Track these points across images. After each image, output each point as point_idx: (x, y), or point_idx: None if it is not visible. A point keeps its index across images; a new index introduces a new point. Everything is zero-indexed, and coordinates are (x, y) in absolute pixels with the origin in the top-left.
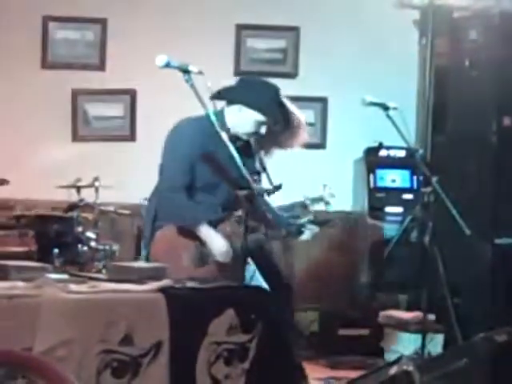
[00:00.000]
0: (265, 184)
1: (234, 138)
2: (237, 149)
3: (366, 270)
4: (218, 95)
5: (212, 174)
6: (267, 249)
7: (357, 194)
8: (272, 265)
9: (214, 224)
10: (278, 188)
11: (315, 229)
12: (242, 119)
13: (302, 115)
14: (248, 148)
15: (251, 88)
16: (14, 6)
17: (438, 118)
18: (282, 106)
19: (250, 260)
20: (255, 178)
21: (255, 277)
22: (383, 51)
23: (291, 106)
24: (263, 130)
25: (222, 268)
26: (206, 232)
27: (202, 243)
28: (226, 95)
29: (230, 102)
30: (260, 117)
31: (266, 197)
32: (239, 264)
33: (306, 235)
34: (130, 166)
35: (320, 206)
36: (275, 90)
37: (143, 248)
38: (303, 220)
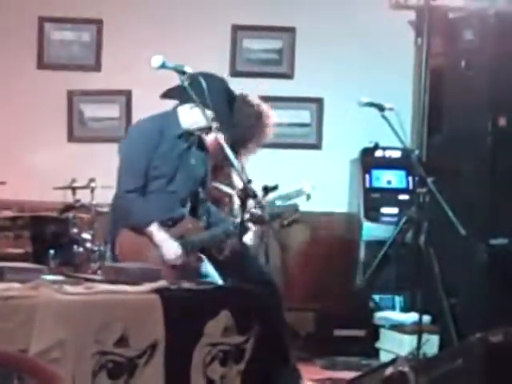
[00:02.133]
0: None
1: (187, 135)
2: (192, 144)
3: (362, 271)
4: (167, 95)
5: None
6: (245, 249)
7: (352, 195)
8: (252, 265)
9: (175, 221)
10: (273, 189)
11: (252, 228)
12: (195, 116)
13: (268, 108)
14: (201, 144)
15: (198, 85)
16: (9, 7)
17: (434, 118)
18: (231, 98)
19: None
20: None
21: (210, 273)
22: (379, 52)
23: (253, 99)
24: (215, 124)
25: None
26: (156, 233)
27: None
28: (176, 95)
29: (185, 101)
30: (210, 113)
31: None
32: (195, 259)
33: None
34: None
35: (301, 199)
36: (222, 83)
37: (108, 251)
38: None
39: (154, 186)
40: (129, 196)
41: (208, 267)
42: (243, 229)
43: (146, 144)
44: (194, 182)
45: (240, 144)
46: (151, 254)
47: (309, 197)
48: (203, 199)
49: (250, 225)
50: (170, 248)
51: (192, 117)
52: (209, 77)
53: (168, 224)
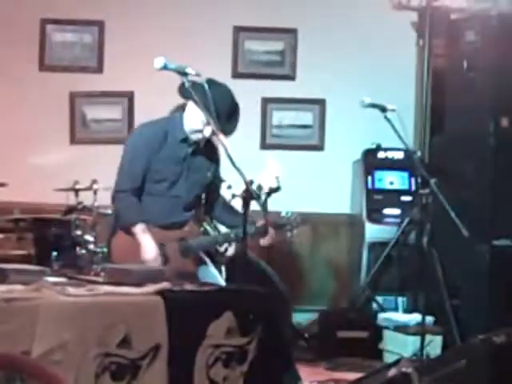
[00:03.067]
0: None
1: (193, 141)
2: (196, 150)
3: (364, 272)
4: (181, 92)
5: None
6: (249, 259)
7: (355, 196)
8: (257, 272)
9: (178, 225)
10: (276, 190)
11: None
12: (193, 115)
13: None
14: (212, 152)
15: (204, 88)
16: (12, 9)
17: (436, 119)
18: (234, 114)
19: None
20: (218, 183)
21: (210, 277)
22: (381, 53)
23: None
24: (207, 131)
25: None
26: (140, 235)
27: (162, 243)
28: (185, 92)
29: (186, 98)
30: (201, 115)
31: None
32: (192, 262)
33: (268, 239)
34: None
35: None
36: (226, 96)
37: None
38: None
39: (155, 189)
40: (119, 196)
41: (210, 271)
42: (251, 232)
43: (146, 146)
44: (199, 187)
45: None
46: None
47: (278, 189)
48: (214, 202)
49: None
50: (148, 249)
51: (191, 114)
52: (213, 83)
53: (169, 227)
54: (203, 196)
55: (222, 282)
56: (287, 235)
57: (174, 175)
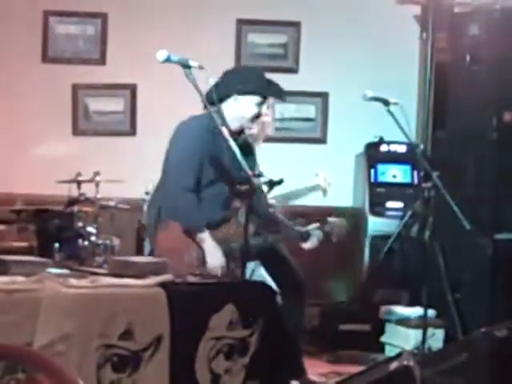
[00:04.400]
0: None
1: (236, 136)
2: (239, 146)
3: (367, 266)
4: (210, 98)
5: (214, 173)
6: (278, 249)
7: (357, 189)
8: (284, 265)
9: (216, 224)
10: (279, 183)
11: (320, 235)
12: (241, 108)
13: None
14: (248, 146)
15: (236, 76)
16: (14, 1)
17: (439, 113)
18: (270, 81)
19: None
20: (259, 173)
21: (255, 274)
22: (384, 46)
23: None
24: (264, 108)
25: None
26: (206, 240)
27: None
28: (217, 94)
29: (224, 98)
30: (256, 98)
31: (269, 198)
32: (238, 264)
33: (313, 242)
34: (131, 161)
35: (317, 194)
36: (258, 70)
37: (147, 245)
38: (311, 227)
39: (204, 182)
40: (187, 196)
41: (261, 271)
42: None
43: (200, 142)
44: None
45: None
46: (190, 256)
47: (325, 192)
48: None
49: (318, 232)
50: (216, 258)
51: (238, 108)
52: (242, 68)
53: (210, 227)
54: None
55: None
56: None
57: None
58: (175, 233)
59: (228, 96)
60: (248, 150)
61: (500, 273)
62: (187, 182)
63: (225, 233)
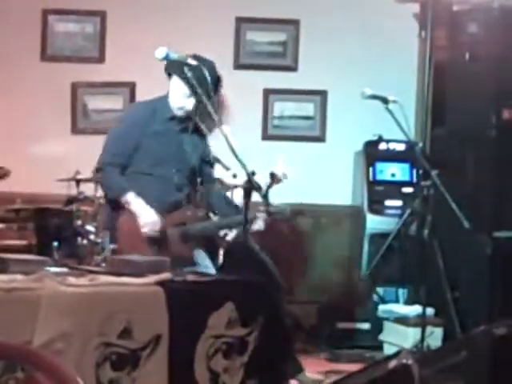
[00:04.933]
0: (219, 171)
1: (182, 118)
2: (186, 129)
3: (365, 264)
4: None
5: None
6: (249, 246)
7: (356, 188)
8: (251, 255)
9: (170, 206)
10: (252, 174)
11: (264, 217)
12: (172, 91)
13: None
14: (200, 134)
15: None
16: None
17: (438, 111)
18: (215, 82)
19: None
20: (210, 161)
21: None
22: (383, 44)
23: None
24: (190, 104)
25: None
26: (132, 202)
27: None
28: (167, 68)
29: (168, 74)
30: (184, 88)
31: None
32: (190, 247)
33: (258, 224)
34: None
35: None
36: (210, 66)
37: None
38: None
39: (144, 168)
40: (106, 169)
41: (201, 256)
42: (248, 220)
43: (134, 123)
44: (190, 169)
45: None
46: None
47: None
48: (205, 186)
49: (259, 213)
50: (148, 215)
51: (171, 90)
52: (199, 58)
53: (164, 210)
54: (199, 180)
55: (211, 269)
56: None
57: (162, 153)
58: (131, 221)
59: (168, 72)
60: (198, 135)
61: (499, 271)
62: (112, 158)
63: (181, 216)
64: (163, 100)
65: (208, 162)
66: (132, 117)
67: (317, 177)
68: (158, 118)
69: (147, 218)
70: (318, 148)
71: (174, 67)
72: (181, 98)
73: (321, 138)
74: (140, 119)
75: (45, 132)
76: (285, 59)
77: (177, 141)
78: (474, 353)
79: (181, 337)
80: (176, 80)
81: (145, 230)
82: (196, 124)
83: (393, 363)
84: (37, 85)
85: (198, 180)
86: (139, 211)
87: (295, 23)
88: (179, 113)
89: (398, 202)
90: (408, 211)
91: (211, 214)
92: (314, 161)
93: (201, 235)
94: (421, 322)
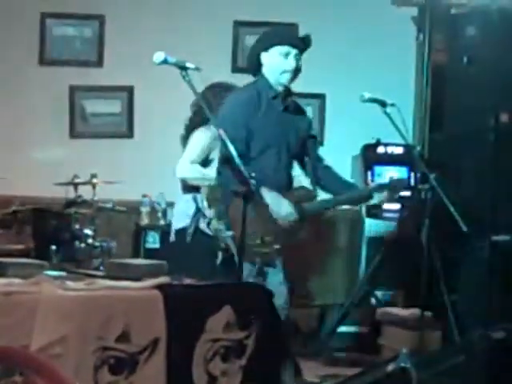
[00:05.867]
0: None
1: (284, 96)
2: (290, 108)
3: (364, 267)
4: (248, 66)
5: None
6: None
7: None
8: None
9: (281, 186)
10: None
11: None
12: (270, 63)
13: None
14: (298, 107)
15: (261, 36)
16: (12, 3)
17: (436, 114)
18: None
19: None
20: (315, 137)
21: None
22: (381, 48)
23: None
24: (292, 61)
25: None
26: (267, 193)
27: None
28: (250, 58)
29: (256, 59)
30: (281, 48)
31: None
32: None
33: (378, 197)
34: (128, 163)
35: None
36: (275, 26)
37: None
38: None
39: (255, 151)
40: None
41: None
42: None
43: (244, 109)
44: (297, 147)
45: None
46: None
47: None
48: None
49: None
50: (282, 206)
51: (268, 65)
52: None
53: (279, 191)
54: (306, 159)
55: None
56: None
57: (271, 135)
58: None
59: (258, 60)
60: (299, 112)
61: (497, 274)
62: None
63: (295, 195)
64: (261, 81)
65: (313, 137)
66: (240, 104)
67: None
68: (264, 100)
69: (282, 209)
70: None
71: (270, 38)
72: (282, 62)
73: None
74: (250, 105)
75: (43, 136)
76: None
77: (282, 120)
78: (472, 356)
79: (179, 340)
80: (276, 51)
81: (280, 221)
82: (295, 101)
83: (391, 366)
84: (35, 88)
85: (306, 158)
86: (273, 202)
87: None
88: (283, 80)
89: (396, 206)
90: (406, 215)
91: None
92: None
93: (318, 213)
94: (419, 325)
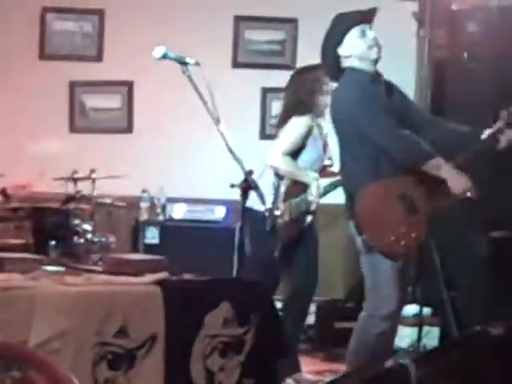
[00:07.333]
0: None
1: (378, 78)
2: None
3: None
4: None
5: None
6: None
7: None
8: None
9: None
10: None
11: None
12: (349, 49)
13: None
14: (390, 84)
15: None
16: None
17: (436, 110)
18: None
19: None
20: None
21: None
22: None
23: None
24: (369, 33)
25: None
26: (442, 166)
27: (405, 195)
28: (326, 61)
29: (333, 58)
30: (352, 32)
31: None
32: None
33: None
34: (127, 158)
35: None
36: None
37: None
38: None
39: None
40: (399, 133)
41: None
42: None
43: (375, 97)
44: (406, 121)
45: None
46: (393, 207)
47: None
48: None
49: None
50: (461, 181)
51: (350, 50)
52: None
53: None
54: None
55: None
56: None
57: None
58: (374, 191)
59: (337, 58)
60: (392, 88)
61: (496, 270)
62: (391, 123)
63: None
64: (351, 74)
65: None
66: (368, 94)
67: None
68: (370, 87)
69: (460, 184)
70: None
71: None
72: (361, 42)
73: None
74: (375, 93)
75: (43, 130)
76: (283, 58)
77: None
78: (471, 353)
79: (177, 336)
80: (351, 37)
81: (457, 194)
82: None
83: (389, 363)
84: (35, 83)
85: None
86: (451, 177)
87: (294, 22)
88: (372, 55)
89: None
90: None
91: None
92: None
93: None
94: (418, 321)
